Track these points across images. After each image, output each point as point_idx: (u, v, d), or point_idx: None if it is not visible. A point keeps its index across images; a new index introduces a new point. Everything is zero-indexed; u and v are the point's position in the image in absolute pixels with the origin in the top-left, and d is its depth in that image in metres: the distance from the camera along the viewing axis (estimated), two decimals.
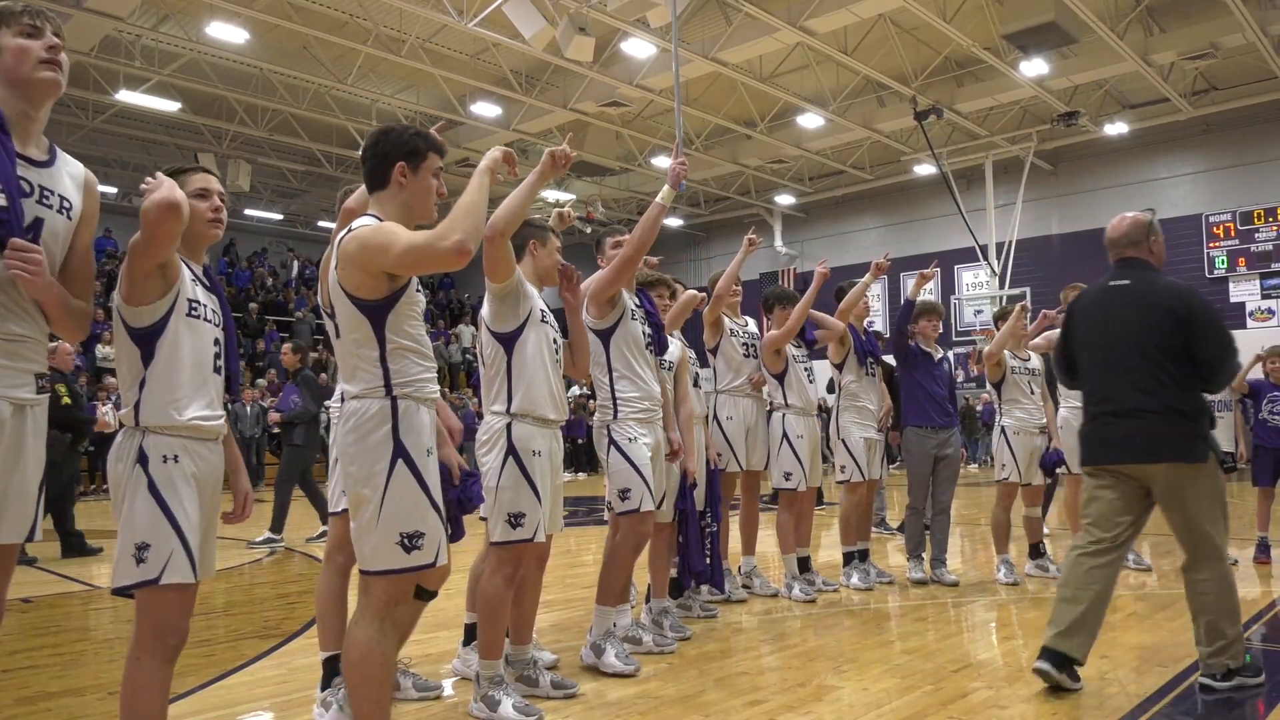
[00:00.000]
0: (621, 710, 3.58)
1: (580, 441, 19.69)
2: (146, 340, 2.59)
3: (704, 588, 5.43)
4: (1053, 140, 20.53)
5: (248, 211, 24.55)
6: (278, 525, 8.88)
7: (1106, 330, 3.90)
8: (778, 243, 26.05)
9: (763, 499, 6.52)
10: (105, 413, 15.92)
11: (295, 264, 26.48)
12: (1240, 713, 3.73)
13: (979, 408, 20.63)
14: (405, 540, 2.64)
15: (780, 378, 5.87)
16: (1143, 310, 3.82)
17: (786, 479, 5.82)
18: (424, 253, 2.57)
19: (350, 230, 2.72)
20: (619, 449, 4.15)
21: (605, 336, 4.21)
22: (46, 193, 2.43)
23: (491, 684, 3.49)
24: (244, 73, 17.44)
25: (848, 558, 6.19)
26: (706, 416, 5.58)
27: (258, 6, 14.36)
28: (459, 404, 20.35)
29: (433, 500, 2.70)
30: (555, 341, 3.73)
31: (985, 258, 20.90)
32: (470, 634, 4.09)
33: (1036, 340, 6.80)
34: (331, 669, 3.48)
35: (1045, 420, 6.47)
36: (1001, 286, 20.55)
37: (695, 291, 5.29)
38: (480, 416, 3.88)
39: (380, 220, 2.70)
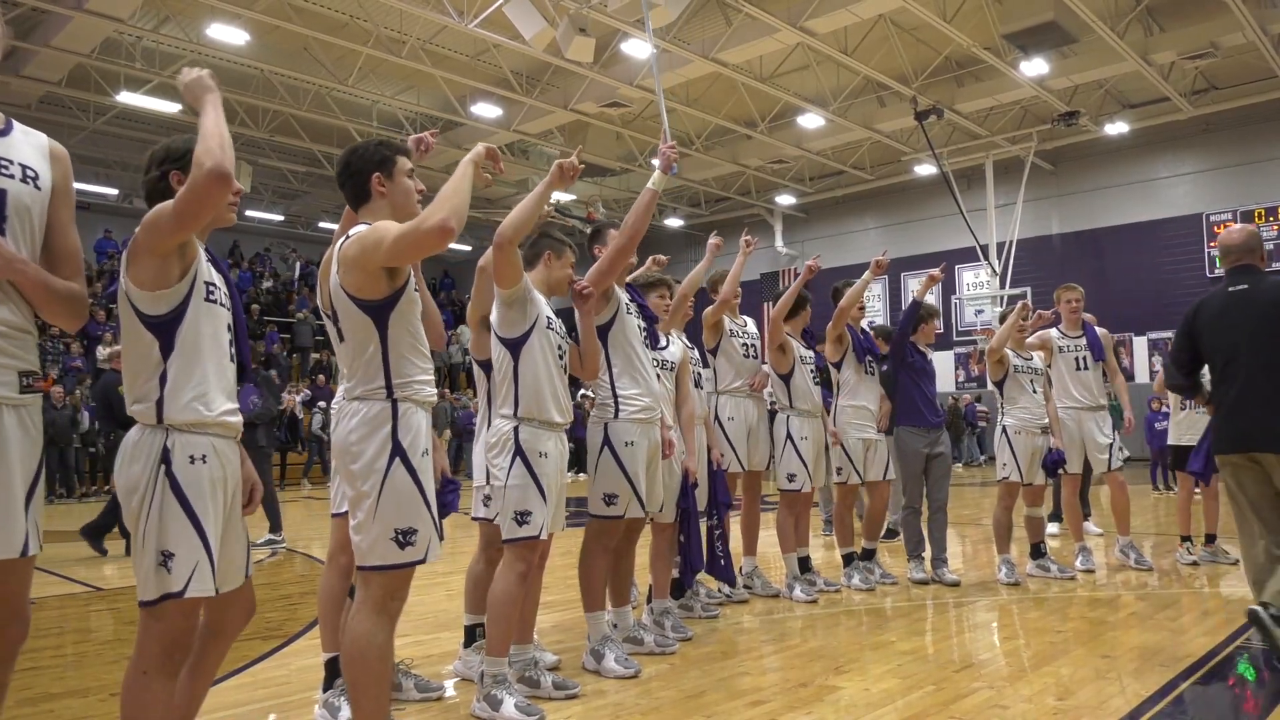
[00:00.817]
0: (623, 710, 3.59)
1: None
2: (165, 329, 2.43)
3: (703, 590, 5.44)
4: (1053, 140, 20.52)
5: (249, 213, 24.54)
6: (276, 525, 8.91)
7: (1238, 331, 4.20)
8: (778, 243, 26.04)
9: (764, 499, 6.52)
10: None
11: (297, 265, 26.50)
12: (1239, 713, 3.73)
13: (962, 407, 20.64)
14: (400, 536, 2.72)
15: (786, 378, 5.88)
16: (1267, 309, 4.14)
17: (790, 480, 5.82)
18: (411, 237, 2.62)
19: (348, 237, 2.80)
20: (613, 452, 4.12)
21: (602, 333, 4.18)
22: (4, 162, 2.27)
23: (495, 683, 3.50)
24: (244, 74, 17.45)
25: (846, 559, 6.19)
26: (708, 417, 5.58)
27: (258, 8, 14.37)
28: (458, 404, 20.39)
29: (426, 499, 2.77)
30: (560, 347, 3.76)
31: (986, 258, 20.89)
32: (470, 636, 4.11)
33: (1030, 340, 6.81)
34: (333, 670, 3.49)
35: (1047, 420, 6.46)
36: (1002, 286, 20.54)
37: (713, 239, 5.47)
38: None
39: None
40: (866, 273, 6.05)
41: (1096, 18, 14.21)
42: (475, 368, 4.14)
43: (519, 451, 3.58)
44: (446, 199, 2.63)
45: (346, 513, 3.49)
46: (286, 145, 20.75)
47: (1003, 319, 6.84)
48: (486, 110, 18.56)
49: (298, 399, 19.07)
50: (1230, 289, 4.31)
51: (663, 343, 4.80)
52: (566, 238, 3.99)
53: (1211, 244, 19.79)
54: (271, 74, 17.09)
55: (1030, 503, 6.54)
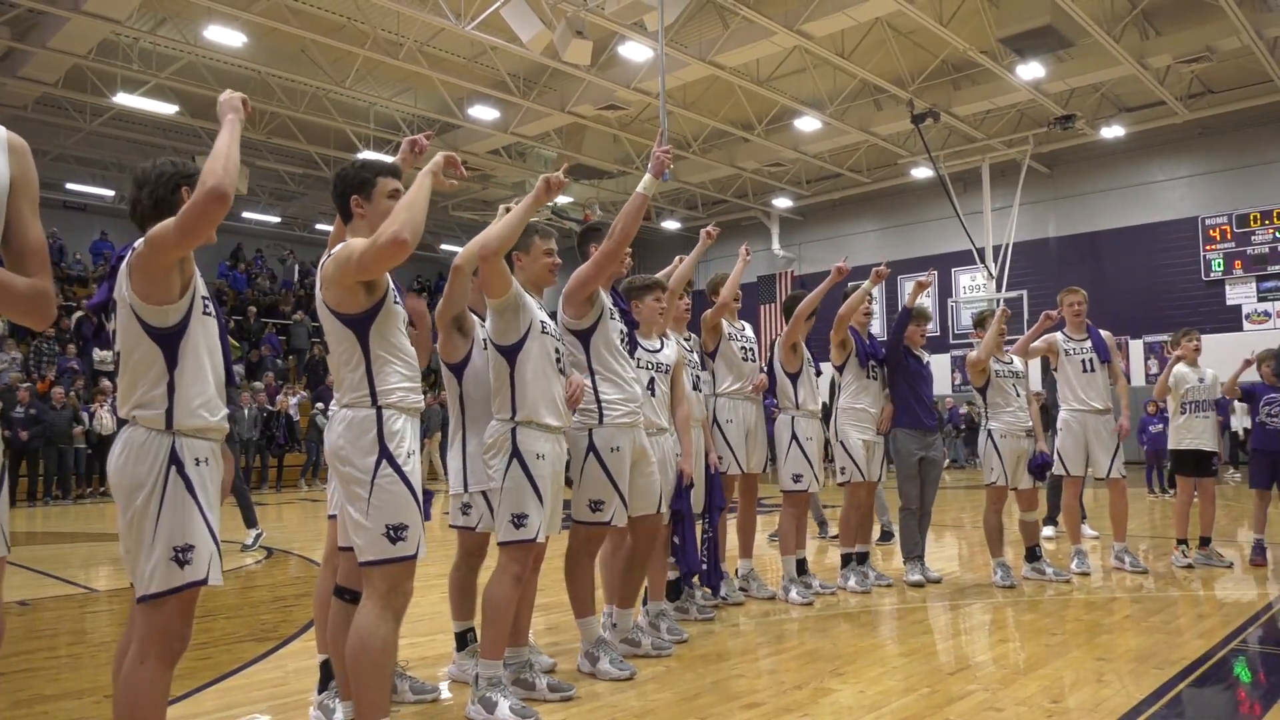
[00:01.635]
0: (617, 713, 3.59)
1: None
2: (170, 340, 2.58)
3: (698, 592, 5.44)
4: (1049, 143, 20.56)
5: (245, 214, 24.54)
6: (252, 520, 8.77)
7: None
8: (775, 246, 26.05)
9: (761, 502, 6.52)
10: (102, 416, 15.93)
11: (294, 267, 26.47)
12: (1235, 715, 3.74)
13: (944, 410, 20.67)
14: (391, 532, 2.88)
15: (794, 378, 5.89)
16: None
17: (795, 481, 5.83)
18: (370, 252, 2.79)
19: (330, 255, 2.99)
20: (598, 458, 4.08)
21: (585, 337, 4.12)
22: None
23: (490, 685, 3.50)
24: (242, 76, 17.44)
25: (845, 559, 6.20)
26: (706, 420, 5.58)
27: (255, 10, 14.37)
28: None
29: (415, 497, 2.93)
30: (556, 350, 3.77)
31: (982, 261, 20.92)
32: (461, 641, 4.10)
33: (1036, 344, 6.82)
34: (328, 672, 3.48)
35: (1031, 423, 6.50)
36: (998, 289, 20.56)
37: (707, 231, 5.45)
38: None
39: None
40: (866, 282, 6.08)
41: (1092, 21, 14.25)
42: (444, 370, 4.01)
43: (515, 453, 3.59)
44: (399, 212, 2.81)
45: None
46: (284, 147, 20.74)
47: (977, 323, 6.85)
48: (484, 112, 18.56)
49: (292, 400, 19.04)
50: None
51: (655, 345, 4.79)
52: (526, 229, 3.80)
53: (1207, 247, 19.85)
54: (269, 76, 17.08)
55: (1024, 507, 6.54)
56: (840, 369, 6.26)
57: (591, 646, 4.12)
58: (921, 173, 21.83)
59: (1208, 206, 19.95)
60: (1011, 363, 6.61)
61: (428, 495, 3.37)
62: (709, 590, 5.47)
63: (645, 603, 4.90)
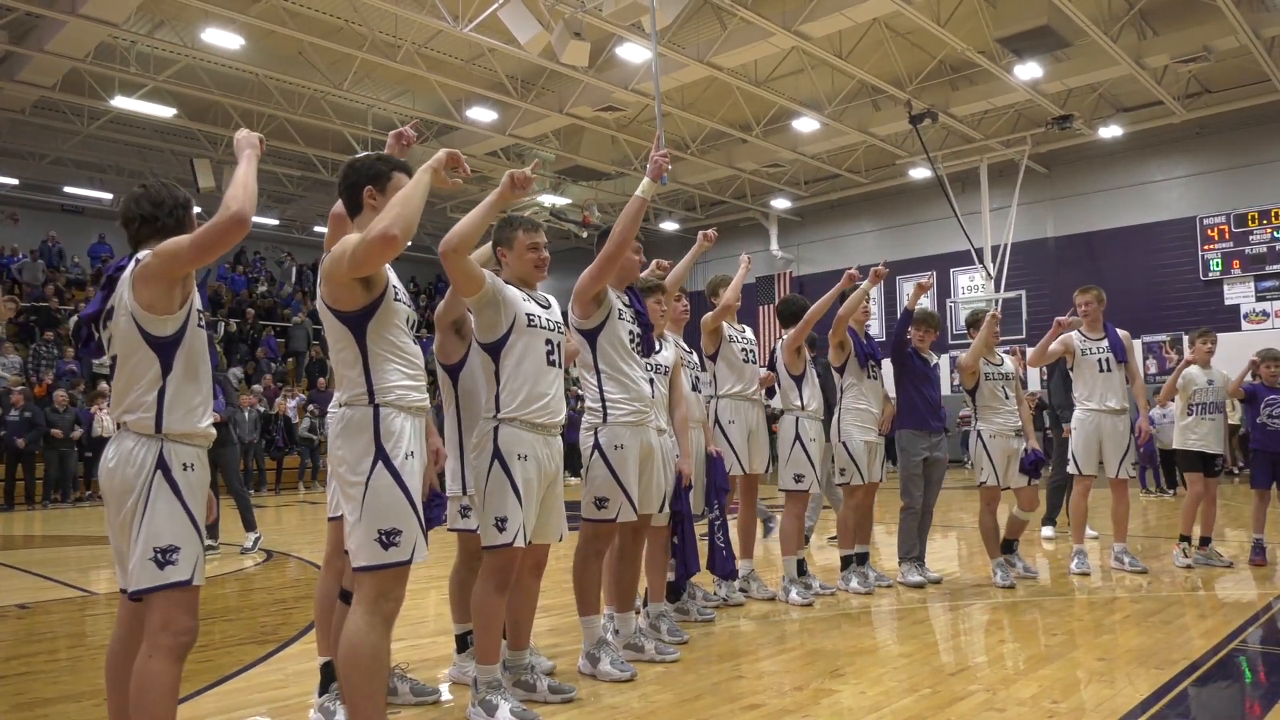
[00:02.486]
0: (618, 714, 3.58)
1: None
2: (167, 349, 2.69)
3: (699, 593, 5.44)
4: (1047, 143, 20.58)
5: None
6: (251, 522, 8.81)
7: None
8: (773, 247, 26.06)
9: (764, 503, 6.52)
10: (103, 419, 15.91)
11: (292, 269, 26.46)
12: (1236, 714, 3.74)
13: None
14: (383, 537, 2.82)
15: (798, 379, 5.90)
16: None
17: (797, 481, 5.83)
18: (361, 249, 2.77)
19: (327, 254, 2.97)
20: (603, 456, 4.09)
21: (591, 337, 4.14)
22: None
23: (489, 688, 3.49)
24: (239, 78, 17.44)
25: (845, 561, 6.20)
26: (706, 420, 5.58)
27: (253, 12, 14.37)
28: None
29: (411, 501, 2.86)
30: (549, 343, 3.66)
31: (980, 261, 20.93)
32: (462, 643, 4.09)
33: (1054, 346, 6.81)
34: (329, 674, 3.48)
35: (1020, 423, 6.52)
36: (997, 290, 20.58)
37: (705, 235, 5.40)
38: None
39: None
40: (865, 281, 6.08)
41: (1090, 21, 14.26)
42: (440, 372, 3.99)
43: (496, 453, 3.49)
44: (392, 207, 2.80)
45: (341, 516, 3.50)
46: (281, 150, 20.73)
47: (970, 324, 6.85)
48: (482, 114, 18.56)
49: (291, 403, 19.03)
50: None
51: (655, 346, 4.79)
52: (515, 219, 3.80)
53: (1205, 247, 19.86)
54: (266, 78, 17.08)
55: (1025, 506, 6.56)
56: (840, 370, 6.27)
57: (593, 647, 4.11)
58: (920, 173, 21.85)
59: (1206, 206, 19.97)
60: (1001, 364, 6.62)
61: (441, 499, 3.34)
62: (726, 578, 5.47)
63: (645, 605, 4.90)
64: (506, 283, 3.67)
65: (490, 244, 3.87)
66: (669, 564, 5.02)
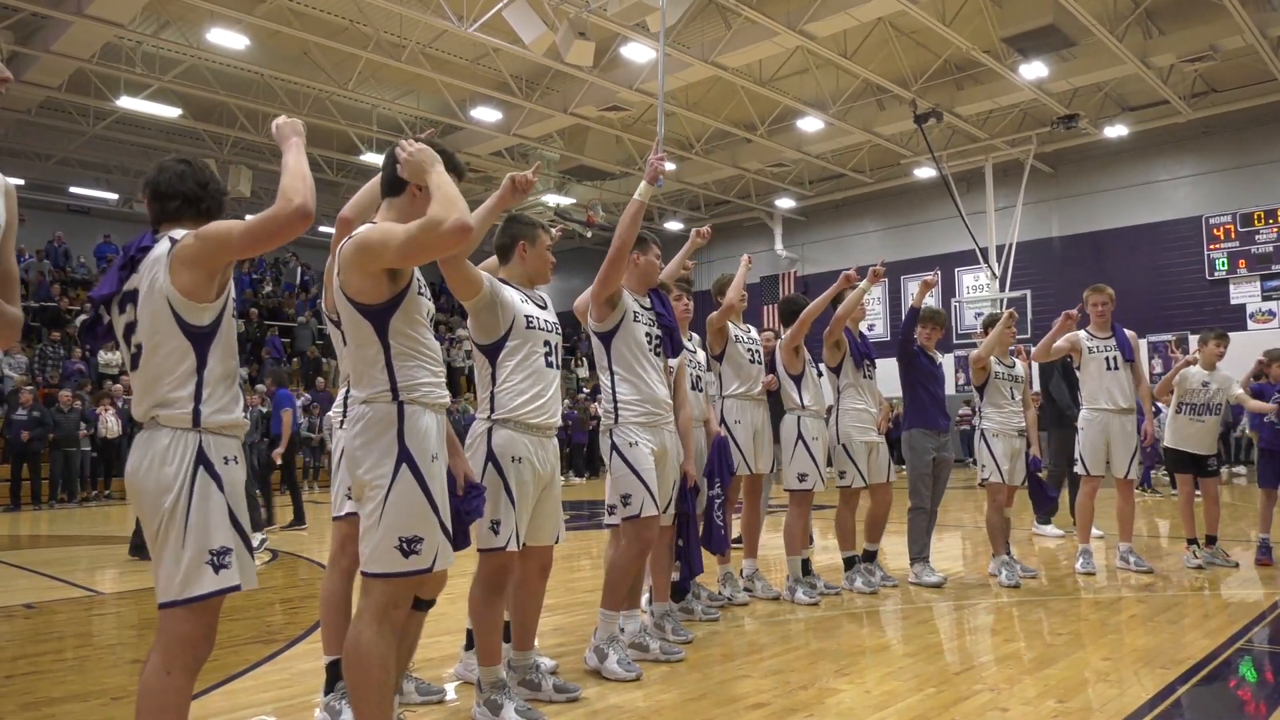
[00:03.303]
0: (623, 714, 3.58)
1: (584, 446, 19.72)
2: (204, 340, 2.52)
3: (704, 593, 5.45)
4: (1052, 143, 20.55)
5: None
6: (258, 522, 8.93)
7: None
8: (778, 246, 26.06)
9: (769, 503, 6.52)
10: (107, 420, 15.96)
11: (297, 269, 26.48)
12: (1240, 715, 3.73)
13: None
14: (404, 545, 2.66)
15: (798, 379, 5.91)
16: None
17: (801, 480, 5.83)
18: (424, 239, 2.57)
19: (350, 237, 2.77)
20: (619, 453, 4.14)
21: (606, 339, 4.19)
22: None
23: (493, 689, 3.49)
24: (244, 78, 17.49)
25: (849, 562, 6.20)
26: (709, 420, 5.58)
27: (258, 13, 14.40)
28: (456, 408, 20.38)
29: (434, 506, 2.72)
30: (547, 344, 3.63)
31: (985, 260, 20.91)
32: (471, 639, 4.09)
33: (1059, 344, 6.80)
34: (335, 674, 3.49)
35: (1024, 424, 6.55)
36: (1002, 289, 20.55)
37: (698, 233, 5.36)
38: None
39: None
40: (864, 281, 6.07)
41: (1095, 21, 14.23)
42: (476, 354, 3.89)
43: (490, 455, 3.46)
44: (456, 199, 2.61)
45: (347, 515, 3.51)
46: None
47: (986, 325, 6.86)
48: (486, 114, 18.58)
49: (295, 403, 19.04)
50: None
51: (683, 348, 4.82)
52: (538, 220, 3.87)
53: (1211, 246, 19.81)
54: (271, 79, 17.12)
55: (1006, 503, 6.58)
56: (836, 370, 6.26)
57: (603, 643, 4.12)
58: (924, 173, 21.82)
59: (1211, 206, 19.92)
60: (1013, 366, 6.63)
61: (480, 490, 3.18)
62: (718, 554, 5.45)
63: (650, 604, 4.90)
64: (505, 282, 3.66)
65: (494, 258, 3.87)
66: (673, 564, 5.02)
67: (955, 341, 22.33)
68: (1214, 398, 7.03)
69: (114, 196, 22.94)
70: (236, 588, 2.47)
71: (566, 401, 19.26)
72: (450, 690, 3.92)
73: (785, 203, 25.09)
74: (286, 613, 5.95)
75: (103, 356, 18.35)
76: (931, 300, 20.11)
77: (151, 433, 2.49)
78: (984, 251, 20.79)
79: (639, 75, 16.50)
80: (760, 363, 5.87)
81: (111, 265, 2.64)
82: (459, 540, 2.98)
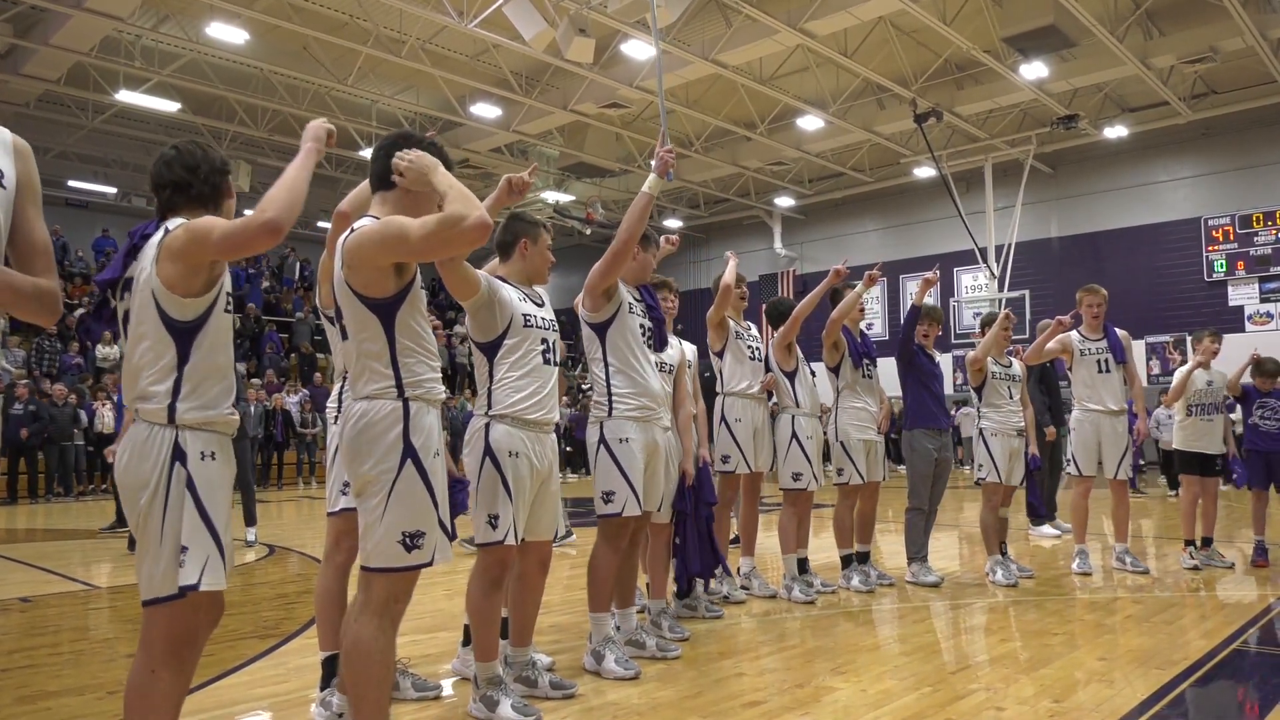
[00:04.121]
0: (619, 711, 3.58)
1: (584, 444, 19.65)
2: (187, 334, 2.49)
3: (714, 584, 5.46)
4: (1052, 143, 20.55)
5: (247, 212, 24.46)
6: (253, 518, 8.86)
7: None
8: (777, 245, 26.06)
9: (762, 501, 6.52)
10: (104, 414, 15.95)
11: (296, 265, 26.45)
12: (1236, 715, 3.74)
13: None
14: (407, 539, 2.67)
15: (791, 377, 5.91)
16: None
17: (795, 479, 5.84)
18: (446, 234, 2.58)
19: (353, 231, 2.75)
20: (608, 449, 4.09)
21: (601, 330, 4.15)
22: None
23: (490, 685, 3.49)
24: (244, 73, 17.45)
25: (846, 560, 6.21)
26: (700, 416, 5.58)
27: (258, 7, 14.37)
28: (454, 404, 20.37)
29: (435, 501, 2.73)
30: (545, 342, 3.64)
31: (984, 260, 20.91)
32: (469, 635, 4.09)
33: (1051, 345, 6.81)
34: (330, 669, 3.48)
35: (1023, 424, 6.56)
36: (1001, 289, 20.56)
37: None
38: None
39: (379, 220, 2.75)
40: (860, 284, 6.09)
41: (1096, 21, 14.24)
42: (474, 351, 3.96)
43: (487, 450, 3.48)
44: (466, 197, 2.62)
45: (342, 511, 3.51)
46: (285, 145, 20.73)
47: (985, 325, 6.87)
48: (486, 110, 18.56)
49: (291, 399, 19.04)
50: None
51: (668, 341, 4.81)
52: (540, 219, 3.88)
53: (1210, 248, 19.83)
54: (271, 73, 17.09)
55: (1002, 503, 6.58)
56: (835, 370, 6.26)
57: (599, 644, 4.11)
58: (924, 172, 21.83)
59: (1210, 207, 19.94)
60: (1010, 366, 6.64)
61: (464, 484, 3.23)
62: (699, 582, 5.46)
63: (647, 601, 4.90)
64: (504, 280, 3.67)
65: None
66: (671, 562, 5.02)
67: (954, 341, 22.36)
68: (1217, 394, 7.06)
69: (113, 190, 22.90)
70: (194, 587, 2.40)
71: (564, 399, 19.25)
72: (447, 686, 3.92)
73: (784, 201, 25.09)
74: (282, 608, 5.95)
75: (100, 350, 18.34)
76: (931, 299, 20.14)
77: (135, 427, 2.50)
78: (983, 251, 20.79)
79: (639, 72, 16.48)
80: (761, 360, 5.88)
81: (120, 250, 2.63)
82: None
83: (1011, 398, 6.55)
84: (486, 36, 14.75)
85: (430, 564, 2.73)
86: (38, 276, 2.12)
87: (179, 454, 2.44)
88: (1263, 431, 6.96)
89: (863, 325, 6.54)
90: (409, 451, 2.68)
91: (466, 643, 4.08)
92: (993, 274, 20.91)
